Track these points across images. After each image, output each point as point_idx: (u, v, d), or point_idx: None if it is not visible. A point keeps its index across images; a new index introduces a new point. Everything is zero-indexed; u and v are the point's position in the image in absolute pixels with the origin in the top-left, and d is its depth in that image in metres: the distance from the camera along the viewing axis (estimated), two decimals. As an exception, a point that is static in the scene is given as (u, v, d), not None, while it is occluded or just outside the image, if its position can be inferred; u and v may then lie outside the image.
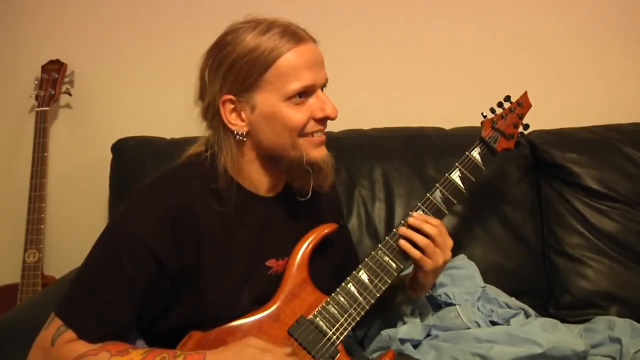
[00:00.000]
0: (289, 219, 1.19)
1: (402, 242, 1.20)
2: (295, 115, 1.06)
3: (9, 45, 2.12)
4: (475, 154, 1.35)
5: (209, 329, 1.07)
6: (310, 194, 1.12)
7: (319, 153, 1.10)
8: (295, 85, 1.04)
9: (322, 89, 1.10)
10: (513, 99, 1.43)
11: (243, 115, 1.08)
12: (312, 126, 1.08)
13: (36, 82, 2.06)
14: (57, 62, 2.08)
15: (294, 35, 1.05)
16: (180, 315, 1.08)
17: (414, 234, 1.19)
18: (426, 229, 1.19)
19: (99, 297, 1.04)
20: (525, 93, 1.44)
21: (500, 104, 1.42)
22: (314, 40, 1.09)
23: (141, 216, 1.05)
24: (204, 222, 1.07)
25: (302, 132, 1.08)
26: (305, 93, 1.06)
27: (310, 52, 1.07)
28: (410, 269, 1.31)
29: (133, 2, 2.06)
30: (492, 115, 1.41)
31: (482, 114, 1.41)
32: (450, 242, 1.22)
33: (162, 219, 1.04)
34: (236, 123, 1.08)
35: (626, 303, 1.65)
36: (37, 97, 2.05)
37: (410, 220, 1.21)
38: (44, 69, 2.07)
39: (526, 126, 1.45)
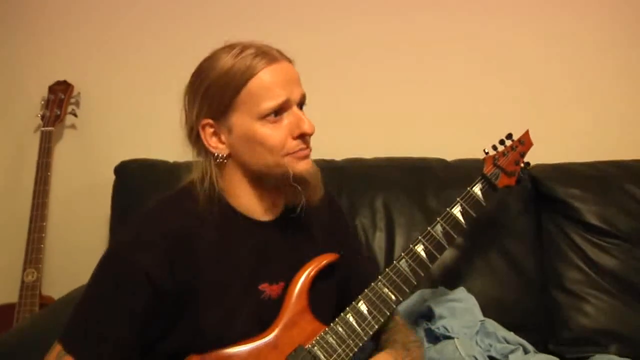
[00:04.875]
0: (285, 242, 1.18)
1: None
2: (272, 134, 1.06)
3: (18, 65, 2.15)
4: (477, 189, 1.37)
5: (206, 352, 1.07)
6: (300, 209, 1.11)
7: (304, 166, 1.10)
8: (268, 104, 1.05)
9: (301, 108, 1.10)
10: (515, 136, 1.45)
11: (222, 138, 1.09)
12: (293, 145, 1.08)
13: (43, 102, 2.08)
14: (64, 83, 2.10)
15: (266, 55, 1.06)
16: (177, 340, 1.08)
17: None
18: None
19: (98, 323, 1.04)
20: (527, 132, 1.46)
21: (502, 142, 1.44)
22: (288, 60, 1.10)
23: (138, 243, 1.06)
24: (198, 248, 1.07)
25: (285, 153, 1.07)
26: (280, 111, 1.06)
27: (283, 70, 1.07)
28: None
29: (141, 27, 2.09)
30: (494, 152, 1.43)
31: (484, 150, 1.42)
32: None
33: (158, 246, 1.05)
34: (217, 146, 1.09)
35: (626, 341, 1.64)
36: (43, 117, 2.07)
37: None
38: (51, 89, 2.09)
39: (527, 164, 1.47)
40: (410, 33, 2.02)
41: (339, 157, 1.88)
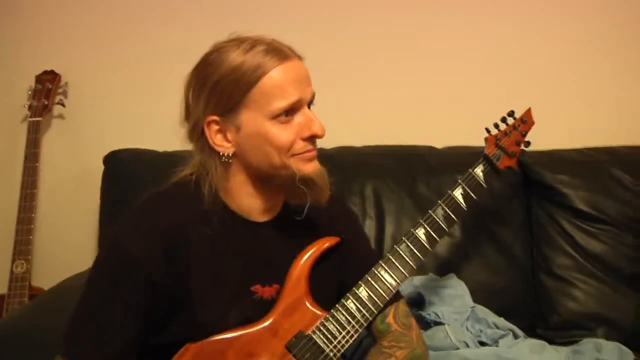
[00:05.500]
0: (281, 244, 1.16)
1: None
2: (282, 134, 1.03)
3: (4, 54, 2.12)
4: (479, 171, 1.32)
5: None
6: (305, 211, 1.09)
7: (311, 167, 1.08)
8: (280, 104, 1.02)
9: (309, 107, 1.08)
10: (516, 115, 1.40)
11: (229, 136, 1.05)
12: (301, 146, 1.06)
13: (30, 92, 2.06)
14: (52, 72, 2.08)
15: (278, 52, 1.03)
16: (173, 332, 1.07)
17: None
18: None
19: (96, 322, 1.04)
20: (529, 110, 1.41)
21: (504, 119, 1.38)
22: (299, 57, 1.07)
23: (133, 237, 1.05)
24: (192, 244, 1.06)
25: (291, 153, 1.05)
26: (291, 111, 1.04)
27: (295, 69, 1.04)
28: None
29: (128, 16, 2.07)
30: (496, 132, 1.37)
31: (486, 129, 1.37)
32: None
33: (154, 240, 1.04)
34: (222, 144, 1.06)
35: (613, 325, 1.66)
36: (30, 107, 2.05)
37: None
38: (38, 79, 2.07)
39: (527, 144, 1.42)
40: (399, 21, 2.02)
41: (328, 145, 1.88)
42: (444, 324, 1.45)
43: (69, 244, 1.96)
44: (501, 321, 1.51)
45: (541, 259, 1.78)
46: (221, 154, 1.06)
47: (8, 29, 2.11)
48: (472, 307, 1.54)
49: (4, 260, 1.99)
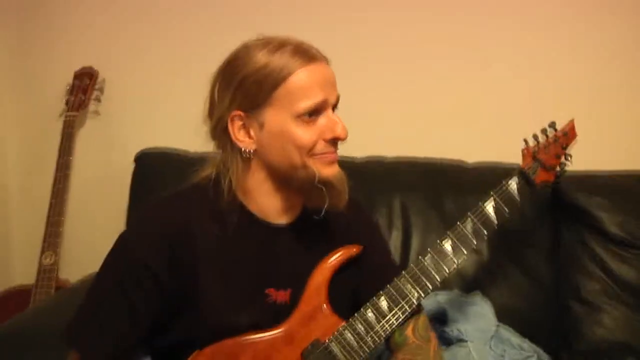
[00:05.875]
0: (297, 248, 1.15)
1: None
2: (305, 134, 1.04)
3: (44, 50, 2.18)
4: (513, 184, 1.25)
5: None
6: (323, 214, 1.09)
7: (331, 171, 1.08)
8: (305, 104, 1.03)
9: (333, 110, 1.08)
10: (558, 127, 1.32)
11: (251, 132, 1.06)
12: (322, 147, 1.06)
13: (68, 88, 2.10)
14: (90, 69, 2.12)
15: (306, 53, 1.04)
16: (182, 334, 1.08)
17: None
18: None
19: (102, 319, 1.06)
20: (572, 122, 1.33)
21: (544, 131, 1.30)
22: (326, 60, 1.08)
23: (140, 237, 1.07)
24: (201, 245, 1.06)
25: (312, 153, 1.05)
26: (315, 112, 1.05)
27: (321, 71, 1.05)
28: None
29: (168, 14, 2.10)
30: (534, 144, 1.30)
31: (524, 139, 1.31)
32: None
33: (160, 239, 1.05)
34: (244, 140, 1.06)
35: (642, 355, 1.62)
36: (67, 102, 2.09)
37: None
38: (76, 75, 2.11)
39: (568, 157, 1.33)
40: (436, 28, 2.00)
41: (359, 154, 1.87)
42: (466, 342, 1.43)
43: (96, 239, 1.97)
44: (526, 343, 1.48)
45: (569, 283, 1.73)
46: (243, 150, 1.07)
47: (49, 25, 2.16)
48: (497, 327, 1.51)
49: (34, 252, 2.02)
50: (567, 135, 1.31)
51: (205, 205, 1.09)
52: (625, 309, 1.66)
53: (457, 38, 1.99)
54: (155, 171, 1.85)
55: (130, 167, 1.89)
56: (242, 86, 1.04)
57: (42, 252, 1.98)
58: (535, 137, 1.30)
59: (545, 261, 1.75)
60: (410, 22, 2.01)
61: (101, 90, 2.13)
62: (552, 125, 1.31)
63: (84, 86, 2.09)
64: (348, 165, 1.87)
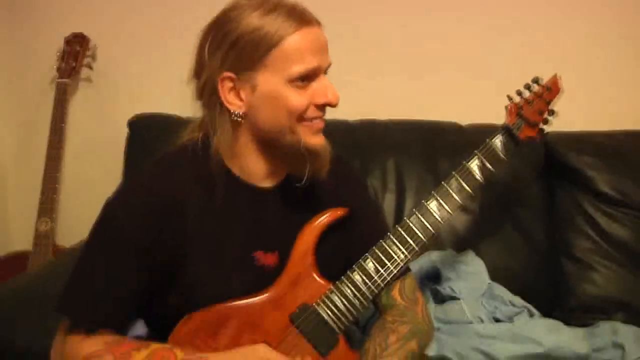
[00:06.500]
0: (284, 211, 1.15)
1: None
2: (297, 98, 1.03)
3: (34, 17, 2.15)
4: (497, 141, 1.26)
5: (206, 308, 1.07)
6: (306, 180, 1.08)
7: (317, 140, 1.08)
8: (299, 68, 1.02)
9: (324, 74, 1.08)
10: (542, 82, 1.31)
11: (242, 94, 1.04)
12: (312, 112, 1.06)
13: (58, 54, 2.08)
14: (80, 35, 2.10)
15: (301, 16, 1.03)
16: (174, 301, 1.08)
17: None
18: None
19: (92, 286, 1.05)
20: (555, 76, 1.32)
21: (527, 86, 1.30)
22: (319, 24, 1.06)
23: (127, 206, 1.05)
24: (189, 211, 1.06)
25: (301, 118, 1.05)
26: (308, 77, 1.04)
27: (315, 35, 1.04)
28: None
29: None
30: (519, 100, 1.29)
31: (507, 96, 1.31)
32: None
33: (147, 208, 1.04)
34: (234, 102, 1.05)
35: (632, 310, 1.64)
36: (58, 69, 2.07)
37: None
38: (67, 41, 2.09)
39: (552, 112, 1.31)
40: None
41: (352, 117, 1.87)
42: (459, 299, 1.46)
43: (92, 205, 1.97)
44: (517, 299, 1.51)
45: (561, 241, 1.76)
46: (232, 112, 1.06)
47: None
48: (489, 284, 1.53)
49: (30, 218, 2.03)
50: (551, 91, 1.30)
51: (191, 170, 1.08)
52: (616, 266, 1.69)
53: (451, 2, 1.98)
54: (149, 135, 1.84)
55: (123, 132, 1.88)
56: (235, 47, 1.02)
57: (38, 218, 1.99)
58: (519, 92, 1.30)
59: (538, 220, 1.77)
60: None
61: (93, 57, 2.11)
62: (536, 80, 1.30)
63: (75, 53, 2.07)
64: (341, 127, 1.89)
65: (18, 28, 2.16)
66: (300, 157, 1.07)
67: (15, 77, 2.20)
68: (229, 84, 1.04)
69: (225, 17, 1.05)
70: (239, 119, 1.06)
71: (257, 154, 1.11)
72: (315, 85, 1.05)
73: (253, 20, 1.02)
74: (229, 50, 1.03)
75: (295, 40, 1.01)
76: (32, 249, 1.98)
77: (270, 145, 1.09)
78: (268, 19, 1.01)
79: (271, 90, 1.03)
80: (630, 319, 1.61)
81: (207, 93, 1.07)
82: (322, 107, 1.07)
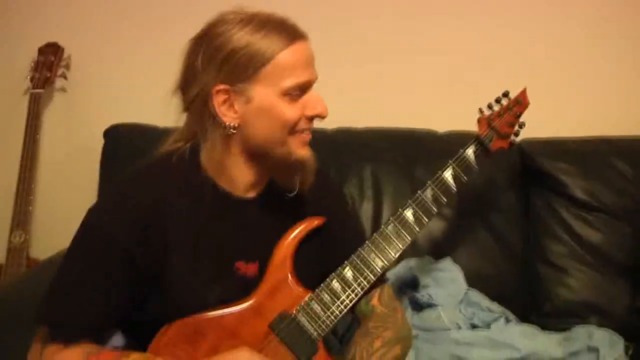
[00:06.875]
0: (265, 221, 1.16)
1: None
2: (289, 110, 1.06)
3: (6, 26, 2.12)
4: (470, 152, 1.31)
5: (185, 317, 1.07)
6: (296, 190, 1.12)
7: (305, 152, 1.11)
8: (292, 82, 1.04)
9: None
10: (512, 95, 1.38)
11: (236, 106, 1.06)
12: (303, 124, 1.08)
13: (32, 64, 2.06)
14: (55, 44, 2.08)
15: (291, 32, 1.06)
16: (154, 310, 1.08)
17: None
18: None
19: (74, 295, 1.04)
20: (524, 90, 1.38)
21: (498, 100, 1.37)
22: (307, 37, 1.09)
23: (111, 213, 1.05)
24: (171, 221, 1.06)
25: (292, 130, 1.07)
26: (300, 90, 1.07)
27: (305, 49, 1.07)
28: None
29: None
30: (489, 113, 1.36)
31: (479, 109, 1.36)
32: None
33: (131, 216, 1.04)
34: (228, 114, 1.06)
35: (606, 314, 1.67)
36: (32, 79, 2.05)
37: None
38: (41, 50, 2.07)
39: (522, 125, 1.39)
40: (400, 2, 2.00)
41: (329, 126, 1.88)
42: (437, 306, 1.46)
43: (68, 217, 1.95)
44: (494, 305, 1.52)
45: (537, 246, 1.78)
46: (226, 124, 1.06)
47: (11, 0, 2.10)
48: (466, 291, 1.55)
49: (4, 230, 2.00)
50: (521, 104, 1.37)
51: (176, 179, 1.09)
52: (590, 270, 1.71)
53: (425, 8, 2.00)
54: (125, 146, 1.83)
55: (99, 143, 1.87)
56: (230, 60, 1.03)
57: (11, 231, 1.96)
58: (489, 106, 1.36)
59: (514, 226, 1.79)
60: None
61: (67, 67, 2.09)
62: (506, 94, 1.37)
63: (49, 62, 2.05)
64: (319, 136, 1.88)
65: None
66: (287, 168, 1.10)
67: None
68: (222, 96, 1.05)
69: (215, 31, 1.06)
70: (232, 131, 1.07)
71: (244, 166, 1.12)
72: (305, 97, 1.08)
73: (245, 36, 1.03)
74: (223, 63, 1.04)
75: (287, 55, 1.04)
76: (5, 262, 1.95)
77: (259, 156, 1.11)
78: (259, 36, 1.03)
79: (266, 102, 1.05)
80: (604, 322, 1.64)
81: (198, 105, 1.07)
82: (311, 119, 1.10)
